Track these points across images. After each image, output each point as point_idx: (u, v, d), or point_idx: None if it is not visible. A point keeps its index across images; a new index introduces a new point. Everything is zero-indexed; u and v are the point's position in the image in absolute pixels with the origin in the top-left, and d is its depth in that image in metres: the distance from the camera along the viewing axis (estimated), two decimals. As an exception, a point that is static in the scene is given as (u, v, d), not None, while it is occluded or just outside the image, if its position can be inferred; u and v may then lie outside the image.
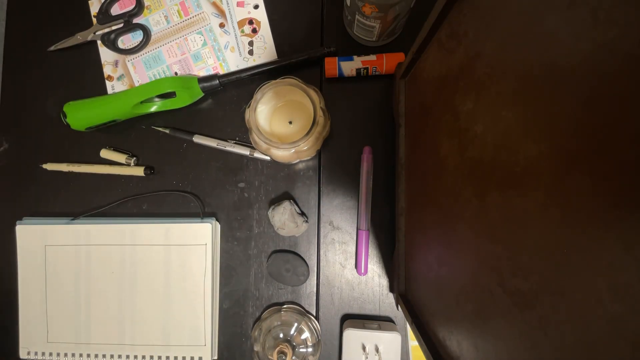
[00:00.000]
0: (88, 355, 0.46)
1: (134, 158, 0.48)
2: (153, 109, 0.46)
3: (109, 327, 0.46)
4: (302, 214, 0.46)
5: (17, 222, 0.48)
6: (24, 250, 0.47)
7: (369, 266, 0.45)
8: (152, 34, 0.49)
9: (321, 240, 0.46)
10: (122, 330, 0.46)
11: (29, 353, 0.47)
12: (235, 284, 0.47)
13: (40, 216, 0.48)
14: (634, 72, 0.11)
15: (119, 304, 0.46)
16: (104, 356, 0.46)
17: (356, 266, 0.45)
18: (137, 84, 0.49)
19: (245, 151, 0.46)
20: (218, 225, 0.47)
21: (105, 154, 0.48)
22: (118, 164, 0.48)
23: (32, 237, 0.47)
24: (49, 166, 0.48)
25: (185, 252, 0.46)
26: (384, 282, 0.45)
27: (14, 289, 0.48)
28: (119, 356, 0.46)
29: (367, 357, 0.42)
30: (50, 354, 0.46)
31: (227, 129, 0.48)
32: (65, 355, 0.46)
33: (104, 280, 0.46)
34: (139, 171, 0.47)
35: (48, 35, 0.50)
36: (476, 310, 0.22)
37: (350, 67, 0.44)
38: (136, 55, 0.49)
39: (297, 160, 0.45)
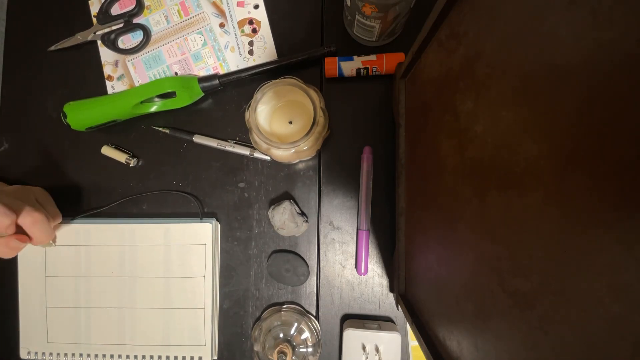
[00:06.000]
0: (88, 355, 0.46)
1: (135, 159, 0.48)
2: (153, 109, 0.46)
3: (109, 327, 0.46)
4: (302, 214, 0.46)
5: (17, 222, 0.48)
6: (24, 250, 0.47)
7: (369, 266, 0.45)
8: (152, 34, 0.49)
9: (321, 240, 0.46)
10: (122, 330, 0.46)
11: (29, 353, 0.47)
12: (236, 284, 0.47)
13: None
14: (634, 72, 0.11)
15: (119, 304, 0.46)
16: (104, 356, 0.46)
17: (356, 266, 0.45)
18: (137, 84, 0.49)
19: (245, 151, 0.46)
20: (218, 225, 0.47)
21: (106, 150, 0.48)
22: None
23: None
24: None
25: (185, 252, 0.46)
26: (384, 282, 0.45)
27: (14, 289, 0.48)
28: (119, 356, 0.46)
29: (367, 357, 0.42)
30: (51, 354, 0.46)
31: (227, 129, 0.48)
32: (66, 355, 0.46)
33: (103, 280, 0.46)
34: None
35: (48, 35, 0.50)
36: (476, 310, 0.22)
37: (350, 67, 0.44)
38: (136, 55, 0.49)
39: (297, 160, 0.45)
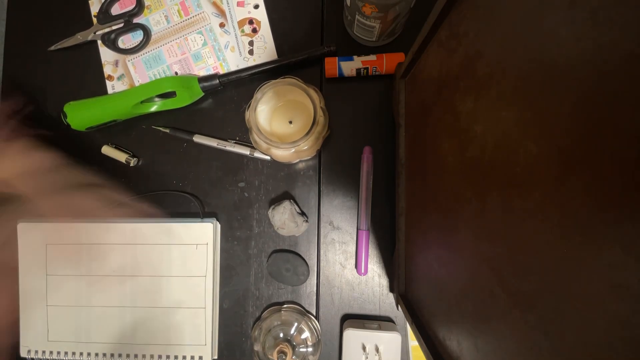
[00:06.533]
0: (88, 354, 0.46)
1: (135, 158, 0.48)
2: (153, 108, 0.46)
3: (110, 326, 0.46)
4: (302, 213, 0.46)
5: (19, 220, 0.48)
6: (25, 249, 0.47)
7: (369, 266, 0.45)
8: (153, 33, 0.49)
9: (321, 240, 0.46)
10: (122, 329, 0.46)
11: (29, 352, 0.47)
12: (236, 284, 0.47)
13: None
14: (634, 72, 0.11)
15: (120, 303, 0.46)
16: (104, 355, 0.46)
17: (356, 266, 0.45)
18: (137, 84, 0.49)
19: (245, 151, 0.46)
20: (219, 225, 0.47)
21: (106, 150, 0.48)
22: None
23: (33, 235, 0.47)
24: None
25: (187, 252, 0.46)
26: (384, 282, 0.45)
27: (14, 287, 0.47)
28: (119, 355, 0.46)
29: (367, 357, 0.42)
30: (51, 353, 0.46)
31: (227, 129, 0.48)
32: (66, 354, 0.46)
33: (105, 279, 0.46)
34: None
35: (48, 35, 0.50)
36: (476, 310, 0.22)
37: (350, 67, 0.44)
38: (136, 55, 0.49)
39: (297, 160, 0.45)
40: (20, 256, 0.47)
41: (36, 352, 0.46)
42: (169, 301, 0.46)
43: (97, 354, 0.46)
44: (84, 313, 0.46)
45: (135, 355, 0.46)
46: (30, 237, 0.47)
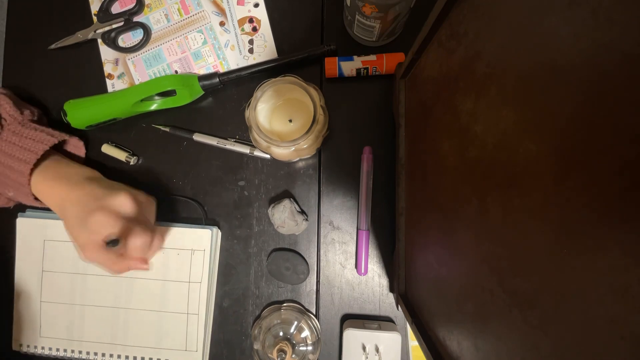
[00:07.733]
0: (80, 352, 0.46)
1: (135, 157, 0.48)
2: (153, 107, 0.46)
3: (103, 325, 0.46)
4: (302, 212, 0.46)
5: (19, 214, 0.48)
6: (23, 243, 0.47)
7: (369, 266, 0.45)
8: (153, 32, 0.49)
9: (321, 240, 0.46)
10: (115, 330, 0.46)
11: (21, 345, 0.47)
12: (235, 282, 0.47)
13: (43, 210, 0.48)
14: (634, 72, 0.11)
15: (114, 303, 0.46)
16: (95, 354, 0.46)
17: (356, 266, 0.45)
18: (137, 82, 0.49)
19: (245, 149, 0.46)
20: (219, 233, 0.47)
21: (106, 149, 0.48)
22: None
23: (32, 230, 0.47)
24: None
25: (184, 257, 0.46)
26: (384, 282, 0.45)
27: (10, 281, 0.48)
28: (111, 355, 0.46)
29: (367, 357, 0.42)
30: (43, 348, 0.46)
31: (227, 127, 0.48)
32: (57, 350, 0.46)
33: (100, 279, 0.46)
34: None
35: (49, 34, 0.49)
36: (476, 310, 0.22)
37: (350, 67, 0.44)
38: (136, 53, 0.49)
39: (297, 159, 0.45)
40: (18, 250, 0.47)
41: (28, 346, 0.47)
42: (162, 305, 0.45)
43: (88, 352, 0.46)
44: (77, 311, 0.46)
45: (127, 357, 0.45)
46: (29, 232, 0.47)
